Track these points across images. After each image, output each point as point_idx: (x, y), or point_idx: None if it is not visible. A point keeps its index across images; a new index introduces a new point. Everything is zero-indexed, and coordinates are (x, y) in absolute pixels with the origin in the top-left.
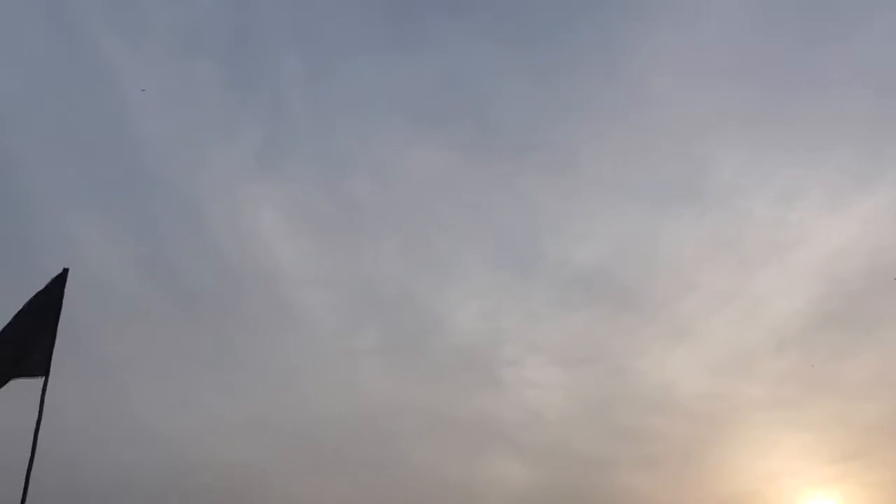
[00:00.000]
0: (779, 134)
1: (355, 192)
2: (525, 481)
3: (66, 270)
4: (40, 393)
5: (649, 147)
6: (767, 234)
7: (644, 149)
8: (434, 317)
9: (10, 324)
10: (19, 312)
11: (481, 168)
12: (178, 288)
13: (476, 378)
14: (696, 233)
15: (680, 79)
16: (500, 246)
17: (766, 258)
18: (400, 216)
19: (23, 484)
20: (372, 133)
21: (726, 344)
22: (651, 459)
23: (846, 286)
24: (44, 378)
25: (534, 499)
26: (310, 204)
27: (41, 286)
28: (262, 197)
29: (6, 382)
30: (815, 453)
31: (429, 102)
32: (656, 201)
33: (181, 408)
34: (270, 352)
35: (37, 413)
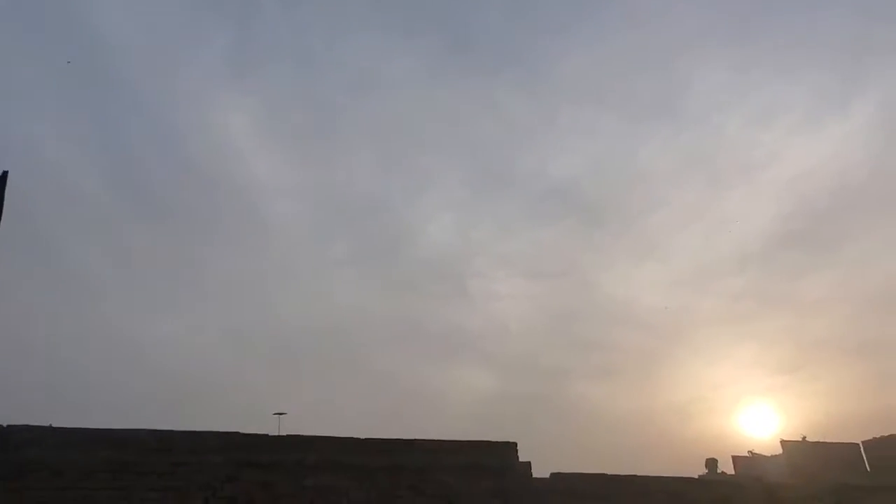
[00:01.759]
0: (758, 53)
1: (330, 100)
2: (490, 388)
3: (5, 173)
4: None
5: (629, 63)
6: (740, 154)
7: (624, 64)
8: (406, 228)
9: None
10: None
11: (459, 81)
12: (146, 196)
13: (446, 289)
14: (671, 149)
15: None
16: (474, 159)
17: (736, 177)
18: (375, 126)
19: None
20: (348, 41)
21: (690, 260)
22: (609, 369)
23: (811, 205)
24: None
25: (498, 405)
26: (283, 112)
27: None
28: (234, 103)
29: None
30: (761, 365)
31: (407, 12)
32: (633, 117)
33: (153, 317)
34: (242, 262)
35: None
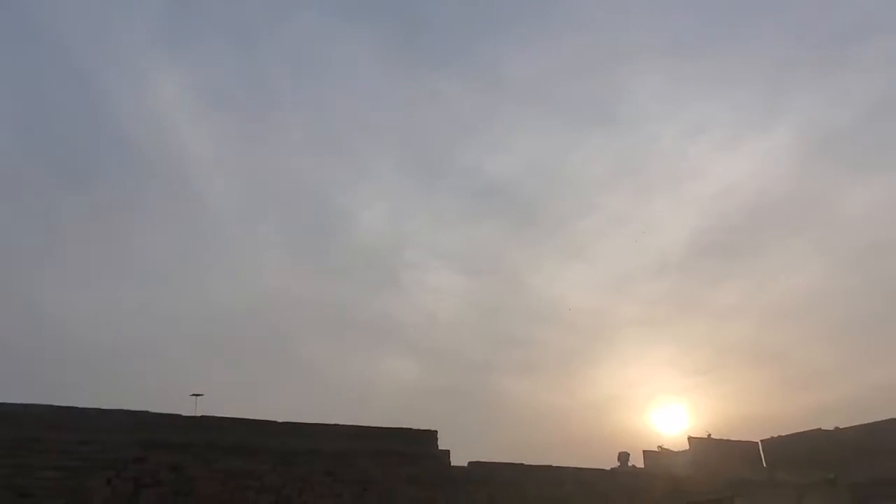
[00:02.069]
0: (695, 67)
1: (270, 79)
2: (415, 378)
3: None
4: None
5: (572, 66)
6: (669, 165)
7: (567, 68)
8: (340, 214)
9: None
10: None
11: (404, 70)
12: (69, 163)
13: (377, 278)
14: (604, 155)
15: (616, 2)
16: (414, 150)
17: (663, 187)
18: (315, 109)
19: None
20: (294, 20)
21: (614, 264)
22: (532, 365)
23: (728, 220)
24: None
25: (422, 395)
26: (220, 86)
27: None
28: (168, 72)
29: None
30: (674, 366)
31: None
32: (571, 120)
33: (73, 289)
34: (168, 237)
35: None
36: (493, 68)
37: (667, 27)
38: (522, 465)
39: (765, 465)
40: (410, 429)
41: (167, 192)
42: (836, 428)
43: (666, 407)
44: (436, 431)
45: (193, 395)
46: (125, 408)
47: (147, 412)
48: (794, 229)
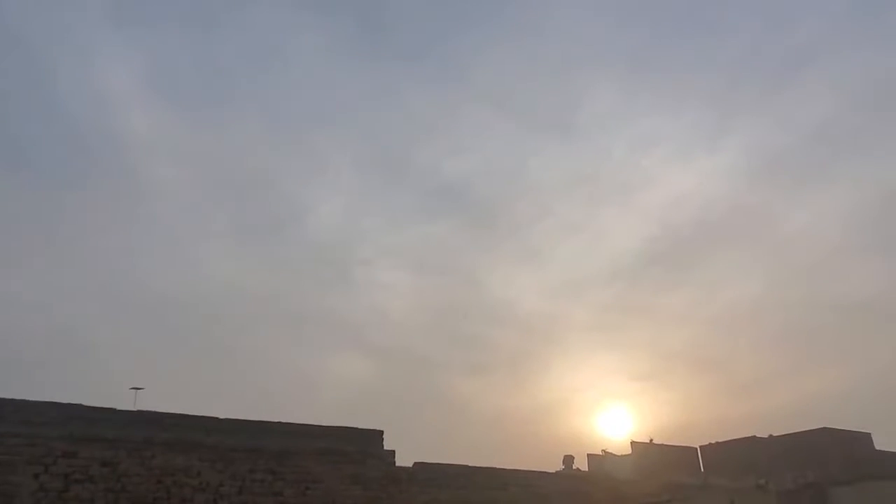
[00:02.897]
0: (651, 80)
1: (227, 67)
2: (366, 376)
3: None
4: None
5: (534, 72)
6: (621, 175)
7: (529, 73)
8: (294, 207)
9: None
10: None
11: (365, 65)
12: (5, 141)
13: (329, 274)
14: (561, 162)
15: (578, 11)
16: (372, 146)
17: (615, 197)
18: (272, 100)
19: None
20: (255, 8)
21: (566, 270)
22: (482, 366)
23: (675, 232)
24: None
25: (372, 393)
26: (173, 68)
27: None
28: (118, 52)
29: None
30: (620, 371)
31: None
32: (528, 126)
33: (3, 270)
34: (110, 223)
35: None
36: (455, 67)
37: (623, 40)
38: (467, 466)
39: (702, 469)
40: (355, 428)
41: (109, 176)
42: (770, 435)
43: (611, 411)
44: (381, 431)
45: (133, 388)
46: (56, 400)
47: (79, 405)
48: (738, 243)
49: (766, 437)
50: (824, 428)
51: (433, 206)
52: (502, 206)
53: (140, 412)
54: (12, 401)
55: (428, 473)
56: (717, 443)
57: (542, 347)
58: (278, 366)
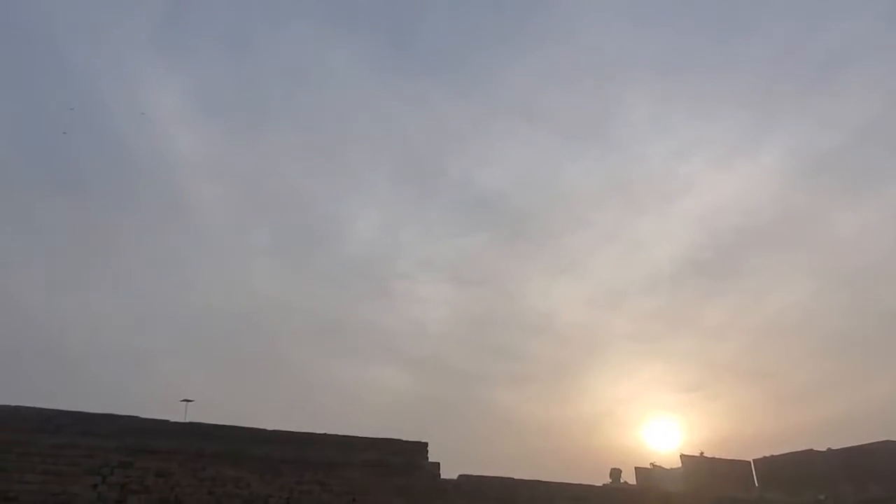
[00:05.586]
0: (684, 84)
1: (264, 86)
2: (404, 389)
3: None
4: None
5: (565, 81)
6: (658, 183)
7: (560, 82)
8: (332, 222)
9: None
10: None
11: (397, 79)
12: (60, 165)
13: (367, 287)
14: (595, 172)
15: (607, 18)
16: (407, 160)
17: (653, 205)
18: (307, 117)
19: None
20: (289, 28)
21: (606, 280)
22: (522, 378)
23: (718, 239)
24: None
25: (411, 405)
26: (213, 90)
27: None
28: (162, 77)
29: None
30: (665, 382)
31: (352, 5)
32: (562, 135)
33: (59, 291)
34: (160, 241)
35: None
36: (486, 78)
37: (653, 45)
38: (512, 479)
39: (756, 484)
40: (401, 440)
41: (157, 196)
42: (829, 449)
43: (658, 423)
44: (426, 443)
45: (184, 400)
46: (112, 412)
47: (135, 417)
48: (782, 249)
49: (824, 449)
50: (888, 441)
51: (468, 218)
52: (537, 217)
53: (191, 424)
54: (70, 413)
55: (473, 485)
56: (772, 456)
57: (583, 358)
58: (320, 377)
